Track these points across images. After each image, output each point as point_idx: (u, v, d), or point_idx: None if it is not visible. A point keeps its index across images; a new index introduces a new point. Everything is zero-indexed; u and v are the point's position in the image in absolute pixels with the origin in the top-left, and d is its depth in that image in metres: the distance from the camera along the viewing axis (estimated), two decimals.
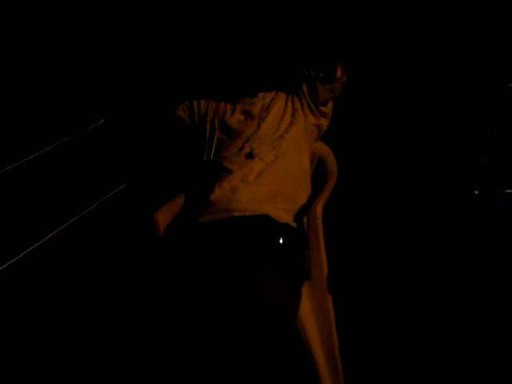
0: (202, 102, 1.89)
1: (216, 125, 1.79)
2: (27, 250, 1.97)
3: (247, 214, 1.51)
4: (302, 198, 1.65)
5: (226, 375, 1.18)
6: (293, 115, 1.73)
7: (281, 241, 1.48)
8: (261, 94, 1.81)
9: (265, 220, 1.51)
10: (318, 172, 1.77)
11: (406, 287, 1.74)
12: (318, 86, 1.72)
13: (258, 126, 1.70)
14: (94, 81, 2.26)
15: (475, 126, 1.86)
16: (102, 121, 2.31)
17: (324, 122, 1.80)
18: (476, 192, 1.68)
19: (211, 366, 1.19)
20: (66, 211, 2.12)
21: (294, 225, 1.57)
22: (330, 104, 1.79)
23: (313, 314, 1.58)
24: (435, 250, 1.75)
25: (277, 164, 1.61)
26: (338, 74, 1.71)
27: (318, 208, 1.64)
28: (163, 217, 1.75)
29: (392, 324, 1.72)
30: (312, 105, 1.75)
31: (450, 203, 1.76)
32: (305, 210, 1.65)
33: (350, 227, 1.74)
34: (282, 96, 1.81)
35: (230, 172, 1.60)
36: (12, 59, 2.10)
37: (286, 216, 1.55)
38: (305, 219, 1.66)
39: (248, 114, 1.76)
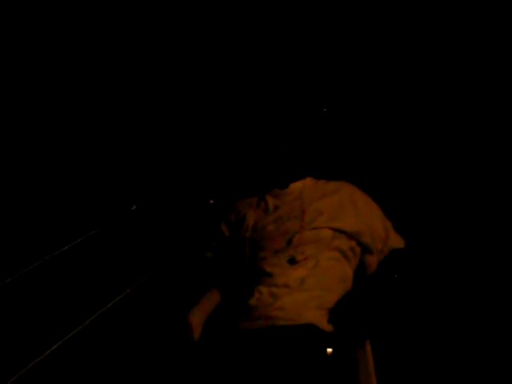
0: (236, 210, 1.78)
1: (250, 225, 1.69)
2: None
3: (291, 323, 1.44)
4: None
5: None
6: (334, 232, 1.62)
7: (329, 351, 1.41)
8: (291, 186, 1.72)
9: (310, 330, 1.43)
10: None
11: None
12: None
13: (300, 227, 1.60)
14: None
15: None
16: (133, 207, 2.35)
17: None
18: None
19: None
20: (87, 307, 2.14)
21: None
22: None
23: None
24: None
25: (318, 268, 1.54)
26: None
27: None
28: (198, 319, 1.67)
29: None
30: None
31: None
32: None
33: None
34: (316, 189, 1.72)
35: (269, 276, 1.52)
36: None
37: (330, 324, 1.50)
38: None
39: (282, 211, 1.66)
